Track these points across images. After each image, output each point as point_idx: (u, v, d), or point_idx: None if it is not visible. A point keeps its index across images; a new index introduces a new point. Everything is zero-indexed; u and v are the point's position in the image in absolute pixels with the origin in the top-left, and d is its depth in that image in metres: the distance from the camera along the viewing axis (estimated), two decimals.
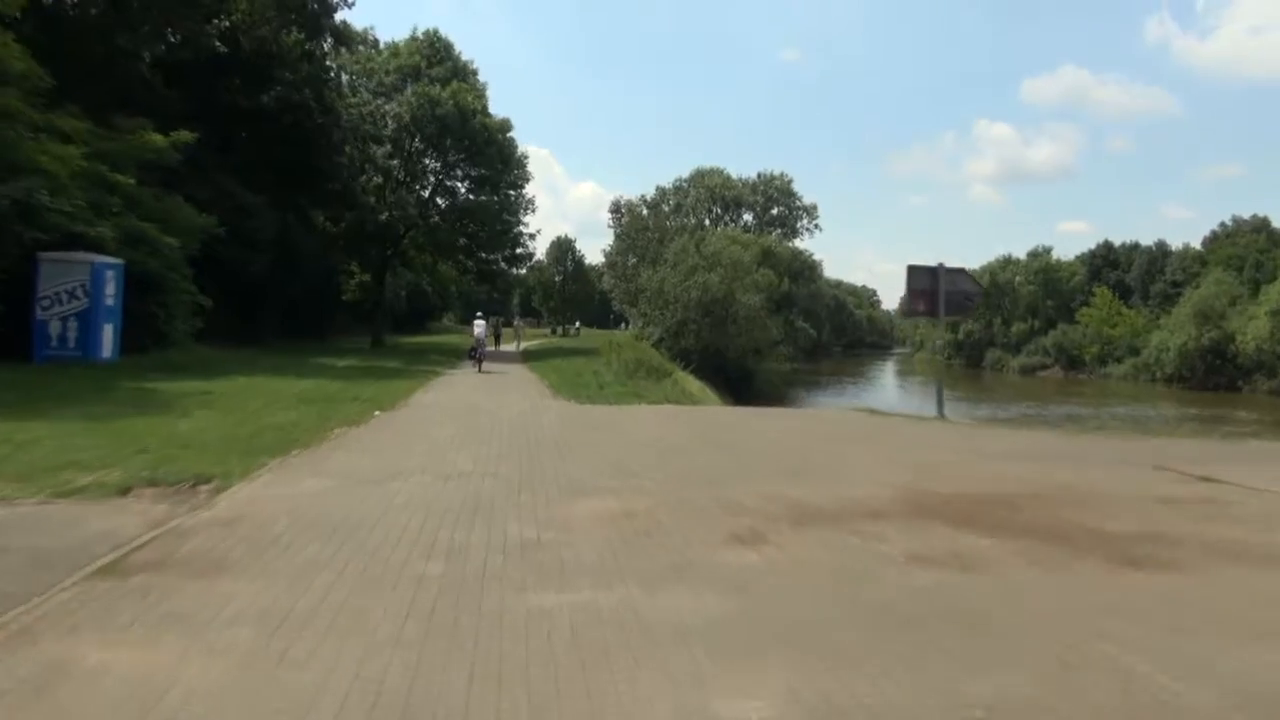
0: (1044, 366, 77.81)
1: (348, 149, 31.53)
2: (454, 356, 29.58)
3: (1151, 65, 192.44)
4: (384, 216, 31.29)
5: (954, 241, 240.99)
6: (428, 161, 33.02)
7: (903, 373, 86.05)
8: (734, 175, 70.00)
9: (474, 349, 23.26)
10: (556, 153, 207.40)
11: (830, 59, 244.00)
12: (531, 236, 37.32)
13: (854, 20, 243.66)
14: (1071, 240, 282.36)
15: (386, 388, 15.53)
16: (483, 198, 32.70)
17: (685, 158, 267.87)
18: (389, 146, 31.64)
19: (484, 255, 35.25)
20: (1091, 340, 73.76)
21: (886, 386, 67.50)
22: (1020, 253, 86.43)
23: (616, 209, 68.72)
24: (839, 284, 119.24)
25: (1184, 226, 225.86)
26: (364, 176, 31.77)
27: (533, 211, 36.11)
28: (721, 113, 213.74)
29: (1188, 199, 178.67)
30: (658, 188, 67.93)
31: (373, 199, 31.75)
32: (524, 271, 51.06)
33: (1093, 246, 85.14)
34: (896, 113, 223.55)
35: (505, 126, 33.78)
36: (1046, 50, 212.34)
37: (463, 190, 34.05)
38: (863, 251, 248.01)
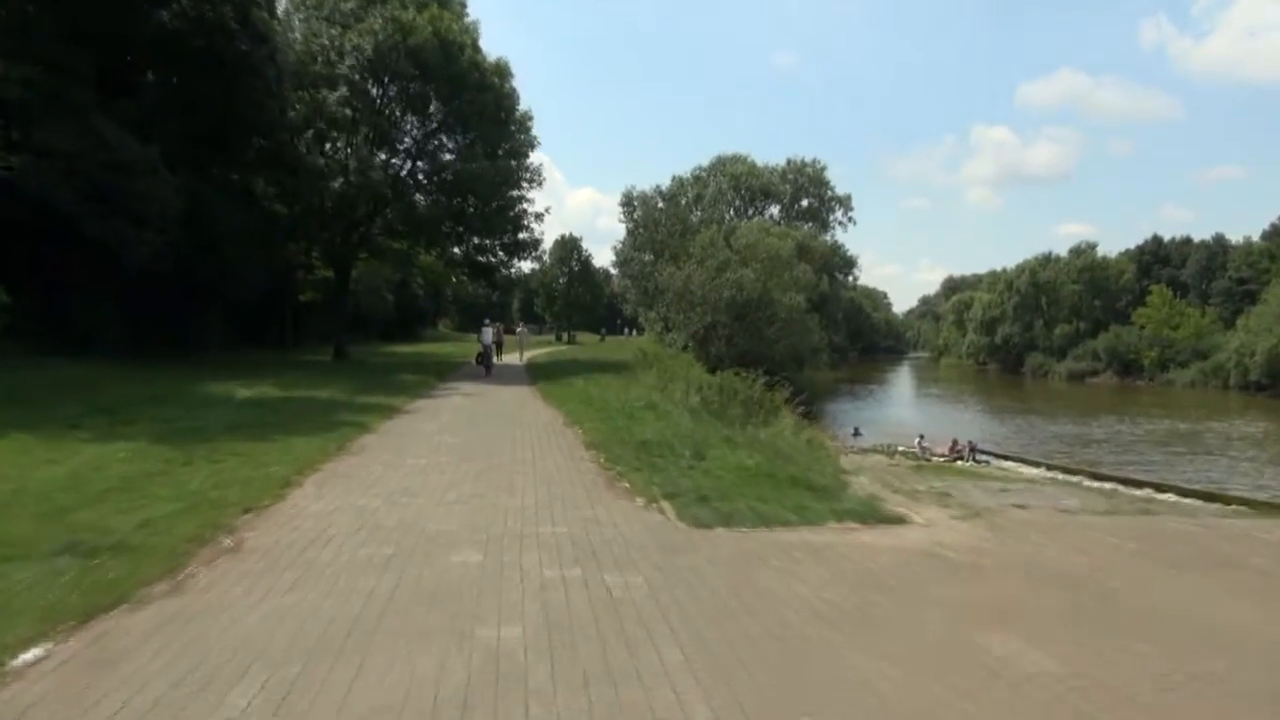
0: (1093, 372, 69.34)
1: (298, 107, 22.88)
2: (435, 375, 20.97)
3: (1149, 68, 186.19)
4: (339, 184, 22.69)
5: (954, 244, 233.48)
6: (400, 115, 24.11)
7: (935, 379, 77.50)
8: (759, 163, 61.14)
9: (481, 355, 22.67)
10: (554, 159, 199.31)
11: (827, 63, 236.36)
12: (538, 217, 27.56)
13: (850, 24, 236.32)
14: (1070, 242, 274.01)
15: (243, 469, 6.88)
16: (473, 165, 23.80)
17: (682, 162, 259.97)
18: (345, 89, 22.96)
19: (477, 241, 26.46)
20: (1149, 343, 65.30)
21: (926, 398, 59.02)
22: (1020, 255, 79.05)
23: (628, 201, 60.18)
24: (855, 285, 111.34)
25: (1184, 228, 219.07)
26: (311, 132, 23.01)
27: (539, 185, 27.70)
28: (719, 117, 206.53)
29: (1188, 200, 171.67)
30: (674, 178, 59.27)
31: (322, 161, 22.91)
32: (528, 265, 42.13)
33: (1140, 242, 76.88)
34: (893, 117, 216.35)
35: (502, 70, 24.71)
36: (1043, 54, 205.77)
37: (448, 155, 25.29)
38: (862, 255, 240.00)
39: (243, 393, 14.00)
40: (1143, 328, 66.80)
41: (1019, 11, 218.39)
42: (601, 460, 8.10)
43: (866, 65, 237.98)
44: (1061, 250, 79.00)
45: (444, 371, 22.22)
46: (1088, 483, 22.94)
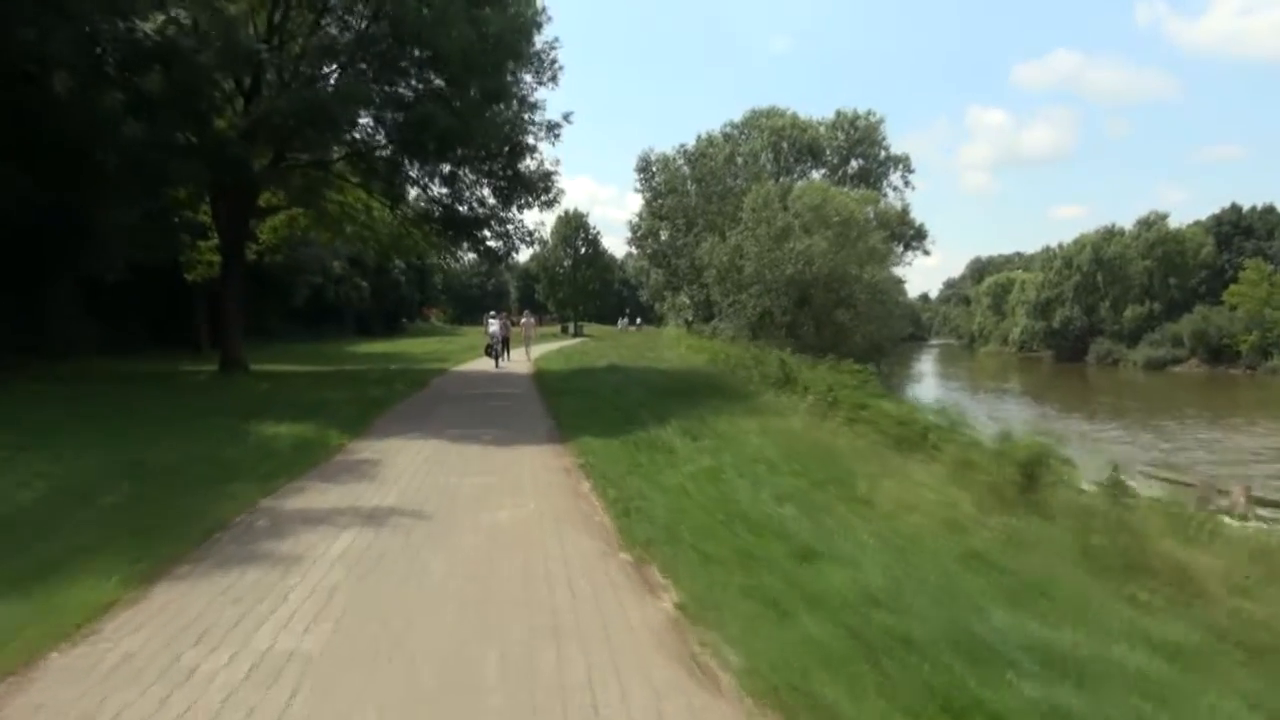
0: (1176, 360, 58.72)
1: None
2: (355, 418, 9.87)
3: (1144, 47, 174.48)
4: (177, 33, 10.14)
5: (953, 227, 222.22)
6: None
7: (984, 371, 66.64)
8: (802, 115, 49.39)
9: (490, 347, 21.27)
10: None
11: (821, 47, 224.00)
12: (551, 129, 15.68)
13: (844, 8, 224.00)
14: (1067, 225, 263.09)
15: None
16: (431, 10, 12.48)
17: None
18: None
19: (449, 172, 15.22)
20: (1246, 326, 54.64)
21: (997, 395, 48.20)
22: (1022, 239, 68.75)
23: (645, 167, 48.99)
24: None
25: (1182, 208, 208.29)
26: None
27: (553, 81, 15.47)
28: (713, 102, 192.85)
29: (1186, 180, 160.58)
30: (700, 135, 47.74)
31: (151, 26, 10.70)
32: (539, 216, 30.67)
33: (1217, 211, 66.09)
34: (888, 100, 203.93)
35: None
36: (1038, 34, 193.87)
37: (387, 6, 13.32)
38: None
39: None
40: (1234, 308, 56.09)
41: None
42: None
43: (860, 49, 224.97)
44: (1057, 232, 68.39)
45: (385, 402, 11.18)
46: None
